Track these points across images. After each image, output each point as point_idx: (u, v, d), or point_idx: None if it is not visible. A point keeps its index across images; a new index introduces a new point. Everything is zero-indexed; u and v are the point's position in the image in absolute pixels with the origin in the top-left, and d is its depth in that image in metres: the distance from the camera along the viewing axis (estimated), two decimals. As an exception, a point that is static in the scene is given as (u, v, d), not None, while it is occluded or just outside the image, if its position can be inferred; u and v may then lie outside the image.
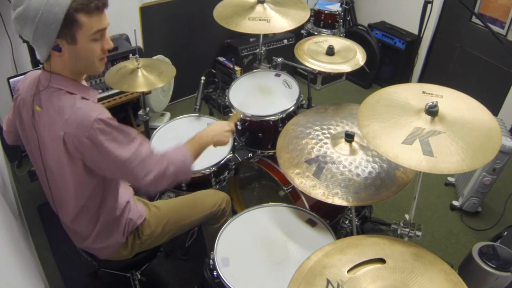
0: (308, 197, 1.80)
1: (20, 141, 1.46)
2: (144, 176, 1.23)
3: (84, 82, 1.35)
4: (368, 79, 3.74)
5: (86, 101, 1.22)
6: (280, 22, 1.98)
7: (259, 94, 2.12)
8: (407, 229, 1.34)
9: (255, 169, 2.18)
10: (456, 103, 1.27)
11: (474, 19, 3.02)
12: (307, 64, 1.93)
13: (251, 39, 3.30)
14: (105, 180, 1.31)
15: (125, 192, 1.51)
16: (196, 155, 1.42)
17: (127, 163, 1.20)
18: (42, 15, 1.07)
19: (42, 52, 1.16)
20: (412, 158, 1.11)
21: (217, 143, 1.53)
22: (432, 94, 1.30)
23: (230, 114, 1.77)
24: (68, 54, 1.16)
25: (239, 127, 2.07)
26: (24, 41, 2.29)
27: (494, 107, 2.89)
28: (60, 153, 1.21)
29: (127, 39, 2.75)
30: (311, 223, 1.58)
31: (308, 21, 3.43)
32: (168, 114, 3.25)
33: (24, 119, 1.32)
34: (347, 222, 1.81)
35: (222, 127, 1.56)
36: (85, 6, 1.10)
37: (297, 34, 3.46)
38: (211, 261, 1.42)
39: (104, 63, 1.27)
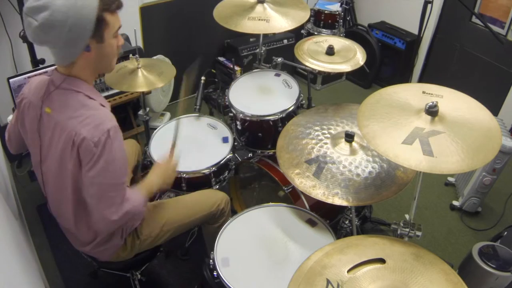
0: (308, 197, 1.80)
1: (23, 149, 1.47)
2: (110, 214, 1.24)
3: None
4: (368, 79, 3.74)
5: (104, 109, 1.26)
6: (279, 22, 1.98)
7: (259, 94, 2.12)
8: (407, 229, 1.34)
9: (255, 169, 2.18)
10: (456, 103, 1.27)
11: (474, 19, 3.02)
12: (307, 64, 1.93)
13: (251, 39, 3.30)
14: None
15: None
16: (148, 197, 1.45)
17: (105, 190, 1.23)
18: (75, 17, 1.10)
19: (71, 54, 1.18)
20: (412, 158, 1.12)
21: (163, 186, 1.55)
22: (432, 94, 1.30)
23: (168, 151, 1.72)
24: (95, 53, 1.21)
25: (239, 127, 2.07)
26: (24, 41, 2.29)
27: (494, 107, 2.89)
28: (67, 154, 1.22)
29: (127, 39, 2.75)
30: (311, 223, 1.58)
31: (308, 21, 3.43)
32: (168, 114, 3.25)
33: (27, 122, 1.32)
34: (347, 222, 1.81)
35: (165, 169, 1.56)
36: (109, 6, 1.17)
37: (297, 34, 3.46)
38: (211, 261, 1.42)
39: (116, 61, 1.33)
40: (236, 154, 2.16)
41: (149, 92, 2.73)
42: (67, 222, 1.42)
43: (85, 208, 1.32)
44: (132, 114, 2.81)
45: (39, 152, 1.31)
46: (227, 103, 2.08)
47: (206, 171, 1.88)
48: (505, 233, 2.07)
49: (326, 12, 3.34)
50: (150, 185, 1.46)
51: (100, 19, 1.15)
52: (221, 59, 3.37)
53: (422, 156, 1.12)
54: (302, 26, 3.33)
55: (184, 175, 1.86)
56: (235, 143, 2.10)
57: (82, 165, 1.22)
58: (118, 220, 1.26)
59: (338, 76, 3.85)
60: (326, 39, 2.07)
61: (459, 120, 1.21)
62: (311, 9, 3.18)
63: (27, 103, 1.31)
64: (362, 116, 1.27)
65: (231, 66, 2.48)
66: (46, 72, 2.14)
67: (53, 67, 1.29)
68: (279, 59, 2.28)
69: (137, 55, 1.96)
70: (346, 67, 1.90)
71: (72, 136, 1.19)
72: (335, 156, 1.52)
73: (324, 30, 3.42)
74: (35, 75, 2.19)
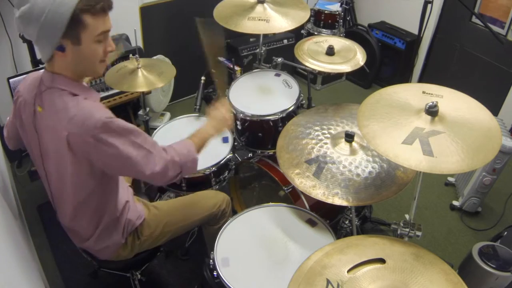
0: (308, 197, 1.80)
1: (21, 145, 1.46)
2: (150, 169, 1.23)
3: (84, 83, 1.36)
4: (368, 79, 3.74)
5: (89, 101, 1.22)
6: (279, 22, 1.98)
7: (259, 94, 2.12)
8: (407, 229, 1.34)
9: (255, 169, 2.18)
10: (456, 103, 1.27)
11: (474, 19, 3.02)
12: (307, 64, 1.93)
13: (251, 39, 3.30)
14: (104, 181, 1.31)
15: (124, 192, 1.51)
16: (200, 148, 1.42)
17: (133, 158, 1.20)
18: (48, 14, 1.07)
19: (45, 51, 1.16)
20: (412, 158, 1.12)
21: (220, 133, 1.53)
22: (432, 94, 1.30)
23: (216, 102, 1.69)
24: (71, 54, 1.16)
25: (239, 127, 2.07)
26: (24, 41, 2.29)
27: (494, 107, 2.89)
28: (63, 153, 1.21)
29: (127, 39, 2.75)
30: (311, 223, 1.58)
31: (308, 21, 3.43)
32: (168, 114, 3.25)
33: (24, 120, 1.32)
34: (347, 222, 1.81)
35: (219, 115, 1.54)
36: (91, 7, 1.10)
37: (297, 34, 3.46)
38: (211, 261, 1.42)
39: (105, 66, 1.27)
40: (236, 154, 2.16)
41: (149, 92, 2.74)
42: (67, 217, 1.42)
43: (85, 202, 1.32)
44: (132, 114, 2.81)
45: (39, 149, 1.31)
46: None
47: (206, 171, 1.88)
48: (505, 233, 2.07)
49: (326, 12, 3.34)
50: (201, 131, 1.45)
51: (76, 20, 1.09)
52: (221, 59, 3.36)
53: (422, 156, 1.12)
54: (302, 26, 3.33)
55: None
56: (235, 143, 2.10)
57: (91, 159, 1.20)
58: (165, 171, 1.25)
59: (338, 76, 3.85)
60: (326, 39, 2.07)
61: (459, 120, 1.21)
62: (311, 9, 3.18)
63: (22, 101, 1.30)
64: (362, 116, 1.27)
65: (231, 66, 2.48)
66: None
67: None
68: (279, 59, 2.28)
69: (137, 55, 1.96)
70: (346, 67, 1.90)
71: (65, 136, 1.17)
72: (335, 156, 1.52)
73: (324, 30, 3.42)
74: (30, 73, 2.19)
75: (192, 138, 1.41)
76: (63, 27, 1.09)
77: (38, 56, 2.38)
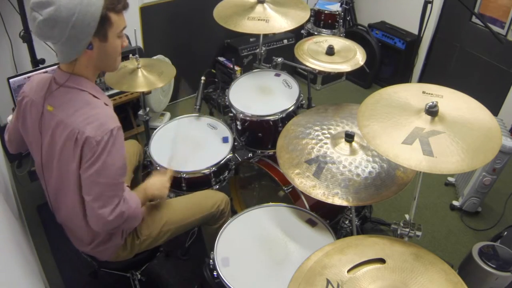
0: (308, 197, 1.80)
1: (22, 148, 1.47)
2: (107, 212, 1.24)
3: None
4: (368, 79, 3.74)
5: (108, 108, 1.27)
6: (279, 22, 1.98)
7: (259, 94, 2.12)
8: (407, 229, 1.34)
9: (255, 169, 2.18)
10: (456, 103, 1.27)
11: (474, 19, 3.02)
12: (307, 64, 1.93)
13: (251, 39, 3.30)
14: None
15: None
16: (142, 205, 1.46)
17: (104, 190, 1.23)
18: (79, 15, 1.11)
19: (73, 51, 1.19)
20: (412, 158, 1.12)
21: (157, 197, 1.57)
22: (432, 94, 1.30)
23: (158, 168, 1.80)
24: (97, 51, 1.22)
25: (239, 127, 2.07)
26: (25, 41, 2.29)
27: (494, 107, 2.89)
28: (69, 152, 1.22)
29: (127, 39, 2.75)
30: (311, 223, 1.58)
31: (308, 21, 3.43)
32: (168, 114, 3.25)
33: (28, 121, 1.32)
34: (347, 222, 1.81)
35: (162, 182, 1.59)
36: (115, 6, 1.18)
37: (297, 34, 3.46)
38: (211, 261, 1.42)
39: (120, 61, 1.34)
40: (236, 154, 2.16)
41: (149, 92, 2.73)
42: (68, 221, 1.42)
43: (83, 202, 1.32)
44: (132, 114, 2.81)
45: (40, 151, 1.31)
46: (227, 103, 2.08)
47: (206, 171, 1.88)
48: (505, 233, 2.07)
49: (326, 12, 3.34)
50: (144, 193, 1.48)
51: (105, 18, 1.16)
52: (221, 59, 3.37)
53: (422, 156, 1.12)
54: (302, 26, 3.33)
55: (184, 175, 1.86)
56: (235, 143, 2.10)
57: (82, 162, 1.22)
58: (114, 220, 1.25)
59: (338, 76, 3.85)
60: (326, 39, 2.07)
61: (459, 120, 1.21)
62: (311, 9, 3.18)
63: (28, 101, 1.31)
64: (362, 116, 1.27)
65: (231, 66, 2.48)
66: (46, 72, 2.14)
67: (53, 67, 1.30)
68: (279, 59, 2.28)
69: (137, 55, 1.96)
70: (346, 67, 1.90)
71: (75, 134, 1.19)
72: (335, 156, 1.52)
73: (324, 30, 3.42)
74: (35, 74, 2.20)
75: (139, 195, 1.43)
76: (96, 25, 1.15)
77: (38, 56, 2.38)
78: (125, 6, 1.23)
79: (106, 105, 1.28)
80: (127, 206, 1.29)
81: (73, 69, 1.23)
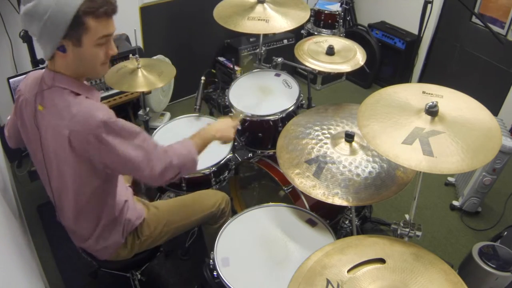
0: (308, 197, 1.80)
1: (22, 143, 1.46)
2: (150, 170, 1.24)
3: (85, 82, 1.36)
4: (368, 79, 3.74)
5: (91, 101, 1.23)
6: (279, 22, 1.98)
7: (259, 94, 2.12)
8: (407, 229, 1.34)
9: (255, 169, 2.18)
10: (456, 103, 1.27)
11: (474, 19, 3.02)
12: (307, 64, 1.93)
13: (251, 39, 3.30)
14: (105, 180, 1.31)
15: (122, 192, 1.51)
16: (200, 149, 1.43)
17: (133, 159, 1.22)
18: (52, 13, 1.07)
19: (47, 50, 1.17)
20: (412, 158, 1.11)
21: (221, 138, 1.54)
22: (432, 94, 1.30)
23: (231, 114, 1.78)
24: (72, 55, 1.16)
25: (239, 127, 2.07)
26: (24, 41, 2.29)
27: (494, 107, 2.89)
28: (65, 152, 1.21)
29: (127, 39, 2.75)
30: (311, 223, 1.58)
31: (308, 21, 3.43)
32: (168, 114, 3.25)
33: (25, 119, 1.32)
34: (347, 222, 1.81)
35: (226, 123, 1.58)
36: (95, 10, 1.10)
37: (297, 34, 3.46)
38: (211, 261, 1.42)
39: (106, 68, 1.27)
40: (236, 154, 2.16)
41: (149, 92, 2.74)
42: (68, 217, 1.42)
43: (86, 202, 1.32)
44: (132, 114, 2.81)
45: (40, 148, 1.31)
46: (227, 103, 2.08)
47: (206, 171, 1.88)
48: (505, 233, 2.07)
49: (326, 12, 3.34)
50: (203, 131, 1.46)
51: (79, 22, 1.09)
52: (221, 59, 3.37)
53: (422, 156, 1.12)
54: (302, 26, 3.33)
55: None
56: (235, 143, 2.10)
57: (92, 159, 1.20)
58: (164, 172, 1.26)
59: (338, 76, 3.85)
60: (326, 39, 2.07)
61: (459, 120, 1.21)
62: (311, 9, 3.18)
63: (24, 100, 1.30)
64: (362, 116, 1.27)
65: (231, 66, 2.48)
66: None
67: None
68: (279, 59, 2.28)
69: (137, 55, 1.96)
70: (346, 67, 1.90)
71: (67, 135, 1.17)
72: (335, 156, 1.52)
73: (324, 30, 3.42)
74: (32, 72, 2.20)
75: (194, 138, 1.43)
76: (65, 27, 1.09)
77: (38, 56, 2.38)
78: (108, 12, 1.13)
79: (88, 98, 1.22)
80: (173, 155, 1.28)
81: (54, 68, 1.21)
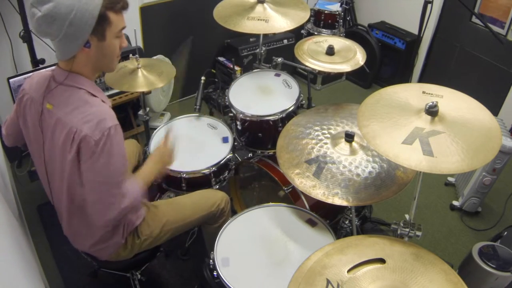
0: (308, 197, 1.80)
1: (20, 142, 1.46)
2: (104, 215, 1.24)
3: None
4: (368, 79, 3.74)
5: (106, 106, 1.26)
6: (279, 22, 1.98)
7: (259, 94, 2.12)
8: (407, 229, 1.34)
9: (255, 169, 2.18)
10: (456, 103, 1.27)
11: (474, 19, 3.02)
12: (307, 64, 1.93)
13: (251, 39, 3.30)
14: None
15: None
16: (148, 184, 1.44)
17: (101, 194, 1.23)
18: (77, 12, 1.11)
19: (70, 49, 1.19)
20: (412, 158, 1.11)
21: (164, 167, 1.54)
22: (432, 94, 1.30)
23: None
24: (95, 50, 1.21)
25: (239, 127, 2.07)
26: (25, 41, 2.29)
27: (494, 107, 2.89)
28: (66, 150, 1.22)
29: (127, 39, 2.75)
30: (311, 223, 1.58)
31: (308, 21, 3.43)
32: (168, 114, 3.25)
33: (28, 118, 1.32)
34: (347, 222, 1.81)
35: (160, 151, 1.55)
36: (114, 5, 1.18)
37: (297, 34, 3.46)
38: (211, 261, 1.42)
39: (118, 62, 1.33)
40: (236, 154, 2.16)
41: (149, 92, 2.72)
42: (65, 220, 1.42)
43: (79, 206, 1.32)
44: (132, 114, 2.81)
45: (42, 149, 1.31)
46: (227, 103, 2.08)
47: (206, 171, 1.88)
48: (505, 233, 2.07)
49: (326, 12, 3.34)
50: (147, 173, 1.45)
51: (103, 17, 1.16)
52: (221, 59, 3.37)
53: (422, 156, 1.12)
54: (302, 26, 3.33)
55: (184, 175, 1.86)
56: (235, 143, 2.10)
57: (81, 162, 1.22)
58: (116, 217, 1.26)
59: (338, 76, 3.85)
60: (326, 39, 2.07)
61: (459, 120, 1.21)
62: (311, 9, 3.18)
63: (28, 99, 1.31)
64: (362, 116, 1.27)
65: (231, 66, 2.48)
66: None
67: (53, 67, 1.29)
68: (279, 59, 2.28)
69: (137, 55, 1.96)
70: (346, 67, 1.90)
71: (73, 132, 1.19)
72: (335, 156, 1.52)
73: (324, 30, 3.42)
74: (36, 72, 2.20)
75: (140, 177, 1.41)
76: (93, 23, 1.14)
77: (39, 56, 2.38)
78: (124, 6, 1.22)
79: (104, 102, 1.27)
80: (128, 200, 1.28)
81: (71, 67, 1.23)
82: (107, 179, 1.22)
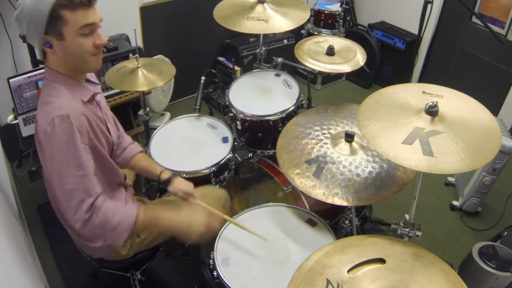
0: (308, 197, 1.80)
1: None
2: (74, 212, 1.14)
3: (94, 79, 1.39)
4: (368, 79, 3.74)
5: (68, 98, 1.20)
6: (278, 22, 1.98)
7: (259, 94, 2.12)
8: (407, 229, 1.34)
9: (255, 169, 2.18)
10: (456, 103, 1.27)
11: (474, 19, 3.02)
12: (307, 64, 1.93)
13: (251, 39, 3.30)
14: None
15: (121, 191, 1.51)
16: (143, 229, 1.35)
17: (58, 182, 1.14)
18: (31, 13, 1.12)
19: (36, 48, 1.22)
20: (412, 158, 1.11)
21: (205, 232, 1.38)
22: (432, 94, 1.30)
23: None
24: (59, 50, 1.19)
25: (239, 127, 2.07)
26: (24, 41, 2.29)
27: (494, 107, 2.89)
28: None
29: (127, 39, 2.75)
30: (311, 223, 1.58)
31: (308, 21, 3.43)
32: (168, 114, 3.25)
33: None
34: (347, 222, 1.81)
35: (198, 221, 1.38)
36: (69, 2, 1.12)
37: (297, 34, 3.46)
38: (211, 261, 1.42)
39: (100, 59, 1.26)
40: (236, 154, 2.16)
41: (149, 92, 2.74)
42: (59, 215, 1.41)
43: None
44: (132, 114, 2.81)
45: None
46: (227, 103, 2.08)
47: (206, 171, 1.88)
48: (505, 233, 2.07)
49: (326, 12, 3.34)
50: (159, 217, 1.33)
51: (55, 16, 1.12)
52: (221, 59, 3.37)
53: (422, 156, 1.12)
54: (302, 26, 3.33)
55: (184, 175, 1.86)
56: (235, 143, 2.10)
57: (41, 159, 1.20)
58: (84, 230, 1.15)
59: (338, 76, 3.85)
60: (326, 39, 2.07)
61: (459, 120, 1.21)
62: (311, 9, 3.18)
63: None
64: (362, 116, 1.27)
65: (231, 66, 2.48)
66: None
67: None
68: (279, 59, 2.28)
69: (137, 55, 1.96)
70: (346, 68, 1.90)
71: (36, 124, 1.20)
72: (335, 156, 1.52)
73: (324, 30, 3.42)
74: (35, 75, 2.20)
75: (141, 216, 1.28)
76: (44, 24, 1.13)
77: (38, 56, 2.37)
78: (84, 2, 1.13)
79: (71, 95, 1.21)
80: (104, 217, 1.17)
81: (48, 65, 1.25)
82: (59, 179, 1.14)
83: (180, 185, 1.52)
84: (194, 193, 1.53)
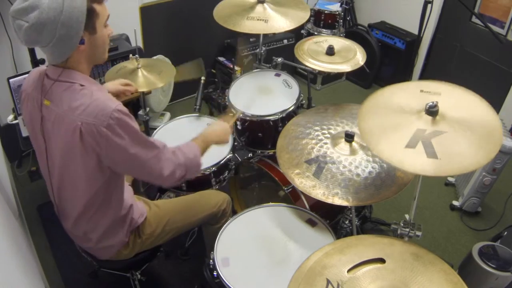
0: (308, 197, 1.80)
1: None
2: (159, 171, 1.27)
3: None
4: (368, 79, 3.74)
5: (102, 93, 1.24)
6: (278, 22, 1.98)
7: (259, 94, 2.12)
8: (407, 229, 1.34)
9: (255, 169, 2.18)
10: (455, 100, 1.26)
11: (474, 19, 3.02)
12: (307, 64, 1.93)
13: (251, 39, 3.30)
14: (112, 176, 1.30)
15: (129, 191, 1.51)
16: (203, 153, 1.48)
17: (141, 158, 1.24)
18: (66, 12, 1.10)
19: (66, 50, 1.17)
20: (417, 163, 1.10)
21: (219, 143, 1.60)
22: (430, 92, 1.29)
23: (231, 114, 1.80)
24: (89, 45, 1.21)
25: (239, 127, 2.07)
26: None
27: (494, 107, 2.85)
28: (74, 145, 1.20)
29: (127, 39, 2.75)
30: (311, 223, 1.58)
31: (308, 21, 3.43)
32: (168, 114, 3.25)
33: (29, 116, 1.32)
34: (347, 222, 1.81)
35: (224, 127, 1.62)
36: None
37: (297, 34, 3.46)
38: (211, 261, 1.42)
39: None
40: (236, 154, 2.16)
41: (149, 92, 2.73)
42: (68, 215, 1.41)
43: (89, 199, 1.31)
44: (132, 114, 2.80)
45: (44, 146, 1.30)
46: (227, 103, 2.08)
47: (206, 171, 1.88)
48: (505, 233, 2.08)
49: (326, 12, 3.34)
50: (204, 136, 1.50)
51: (91, 10, 1.16)
52: (221, 59, 3.37)
53: (426, 159, 1.10)
54: (302, 26, 3.33)
55: (184, 175, 1.85)
56: (235, 143, 2.10)
57: (100, 153, 1.20)
58: (173, 173, 1.29)
59: (338, 76, 3.85)
60: (326, 39, 2.07)
61: (459, 117, 1.20)
62: (311, 9, 3.18)
63: (26, 96, 1.30)
64: (363, 121, 1.26)
65: (231, 66, 2.48)
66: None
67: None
68: (279, 59, 2.28)
69: (137, 55, 1.96)
70: (346, 67, 1.90)
71: (78, 127, 1.17)
72: (335, 156, 1.52)
73: (324, 30, 3.41)
74: (34, 69, 2.20)
75: (198, 142, 1.45)
76: (84, 19, 1.14)
77: (38, 56, 2.38)
78: None
79: (99, 90, 1.24)
80: (182, 157, 1.33)
81: (65, 64, 1.21)
82: (139, 160, 1.24)
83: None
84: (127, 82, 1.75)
